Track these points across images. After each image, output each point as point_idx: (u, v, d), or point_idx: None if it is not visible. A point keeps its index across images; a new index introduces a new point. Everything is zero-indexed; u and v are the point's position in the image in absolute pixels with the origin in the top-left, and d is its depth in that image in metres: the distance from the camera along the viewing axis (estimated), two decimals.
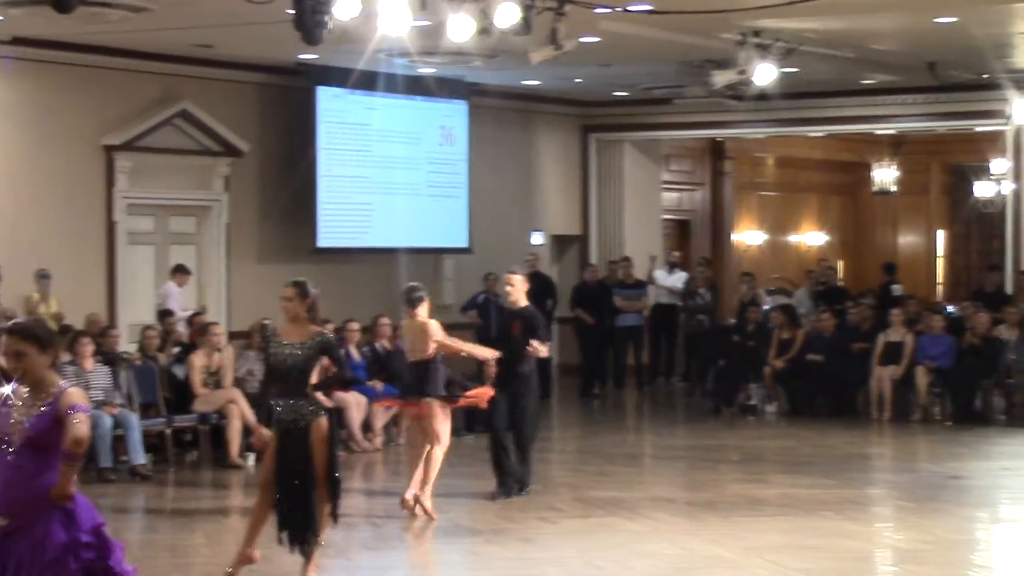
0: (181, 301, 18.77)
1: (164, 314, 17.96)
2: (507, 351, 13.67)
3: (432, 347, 13.06)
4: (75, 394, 6.74)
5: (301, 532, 10.18)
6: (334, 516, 10.29)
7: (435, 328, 13.18)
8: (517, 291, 13.76)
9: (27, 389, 6.75)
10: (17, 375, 6.75)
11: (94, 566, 6.70)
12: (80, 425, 6.58)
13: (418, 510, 12.82)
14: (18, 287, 17.30)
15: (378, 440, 17.29)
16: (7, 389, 6.79)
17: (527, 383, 13.74)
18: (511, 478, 13.71)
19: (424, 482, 12.92)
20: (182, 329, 17.95)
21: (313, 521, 10.17)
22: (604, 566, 10.94)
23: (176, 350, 17.08)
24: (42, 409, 6.66)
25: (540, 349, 13.51)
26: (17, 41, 17.68)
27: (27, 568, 6.55)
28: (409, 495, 12.86)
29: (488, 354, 13.93)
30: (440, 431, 13.04)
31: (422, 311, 13.14)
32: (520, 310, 13.73)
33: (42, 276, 17.37)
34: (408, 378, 13.53)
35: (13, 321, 7.38)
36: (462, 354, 13.87)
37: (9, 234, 17.85)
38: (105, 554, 6.74)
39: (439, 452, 13.04)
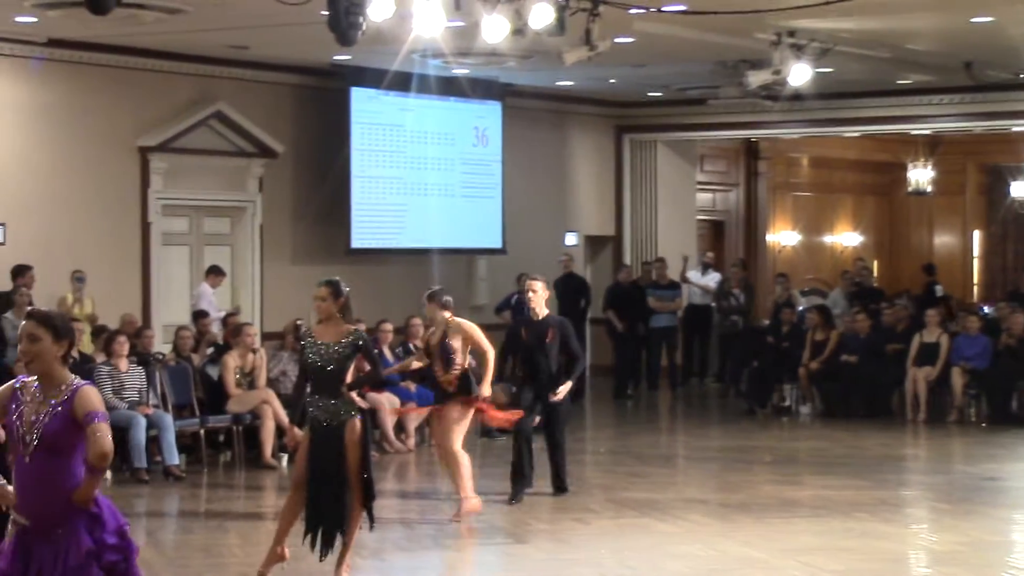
0: (215, 302, 18.82)
1: (198, 315, 18.01)
2: (540, 358, 13.56)
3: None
4: (92, 395, 6.62)
5: (331, 532, 10.19)
6: (370, 517, 10.30)
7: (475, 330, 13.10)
8: (539, 298, 13.61)
9: (37, 384, 6.72)
10: (27, 359, 6.68)
11: (117, 567, 6.68)
12: (104, 439, 6.47)
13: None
14: (53, 288, 17.37)
15: (411, 441, 17.30)
16: (16, 381, 6.77)
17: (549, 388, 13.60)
18: (525, 480, 13.63)
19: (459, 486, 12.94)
20: (216, 330, 18.00)
21: (344, 521, 10.18)
22: (637, 567, 10.93)
23: (210, 351, 17.12)
24: (57, 409, 6.58)
25: (561, 391, 13.44)
26: (53, 43, 17.76)
27: (49, 572, 6.54)
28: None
29: (560, 392, 13.52)
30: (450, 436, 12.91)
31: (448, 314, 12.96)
32: (548, 319, 13.63)
33: (77, 278, 17.43)
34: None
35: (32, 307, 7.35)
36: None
37: (44, 235, 17.93)
38: (129, 555, 6.73)
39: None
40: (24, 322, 6.77)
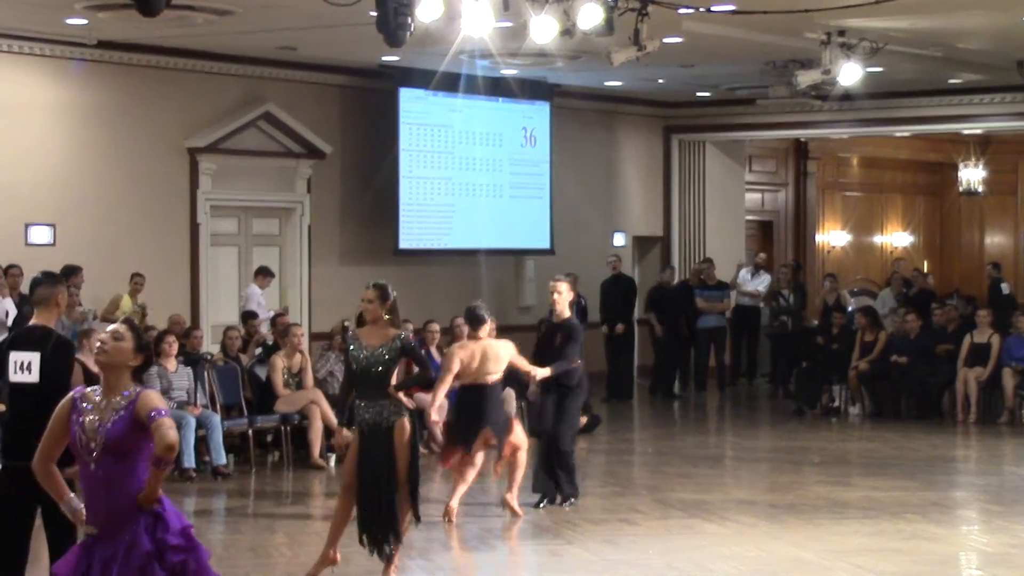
0: (264, 303, 18.87)
1: (247, 316, 18.07)
2: (546, 362, 13.34)
3: (502, 370, 12.79)
4: (154, 396, 6.68)
5: (383, 533, 10.20)
6: (416, 517, 10.32)
7: (512, 348, 12.92)
8: (563, 300, 13.32)
9: (99, 392, 6.76)
10: (102, 350, 6.72)
11: (186, 568, 6.69)
12: (170, 431, 6.50)
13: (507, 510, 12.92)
14: (101, 290, 17.46)
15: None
16: (75, 392, 6.81)
17: (570, 392, 13.38)
18: (551, 483, 13.45)
19: (510, 484, 13.01)
20: (264, 330, 18.05)
21: (395, 522, 10.19)
22: (685, 568, 10.89)
23: (258, 351, 17.17)
24: (120, 413, 6.61)
25: (533, 373, 13.17)
26: (103, 45, 17.87)
27: (109, 572, 6.56)
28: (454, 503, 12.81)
29: (536, 374, 13.18)
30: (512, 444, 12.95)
31: (485, 331, 12.82)
32: (564, 323, 13.34)
33: (136, 281, 17.63)
34: (464, 406, 12.93)
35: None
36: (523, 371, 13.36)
37: (94, 236, 18.03)
38: (197, 556, 6.74)
39: (522, 455, 13.05)
40: (117, 324, 6.90)
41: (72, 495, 6.80)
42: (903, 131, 26.98)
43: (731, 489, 15.00)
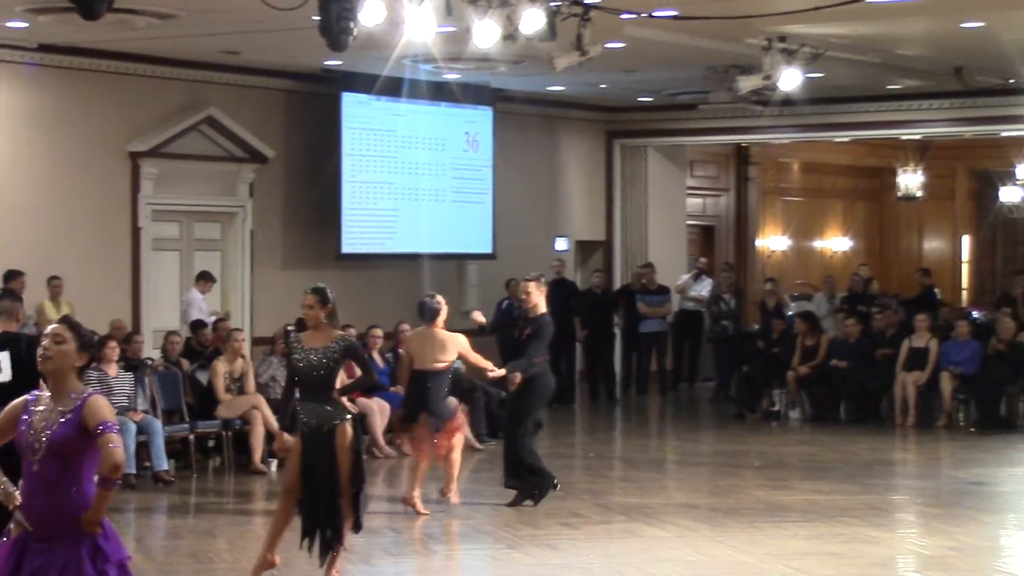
0: (205, 308, 18.81)
1: (197, 325, 17.95)
2: (516, 357, 13.66)
3: (449, 359, 13.33)
4: (103, 405, 6.64)
5: (324, 538, 10.21)
6: (357, 523, 10.32)
7: (464, 341, 13.48)
8: (533, 298, 13.66)
9: (48, 395, 6.75)
10: (45, 356, 6.69)
11: None
12: (117, 450, 6.45)
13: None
14: (42, 294, 17.37)
15: (407, 446, 17.26)
16: (31, 395, 6.81)
17: (529, 387, 13.54)
18: (527, 483, 13.67)
19: (448, 480, 13.46)
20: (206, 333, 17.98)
21: (337, 527, 10.19)
22: (626, 572, 10.94)
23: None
24: (66, 415, 6.59)
25: (494, 372, 13.61)
26: (44, 48, 17.77)
27: None
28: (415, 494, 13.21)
29: (494, 372, 13.70)
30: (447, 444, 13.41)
31: (440, 321, 13.41)
32: (535, 318, 13.64)
33: (53, 284, 17.47)
34: (410, 390, 13.55)
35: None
36: (477, 366, 13.98)
37: (35, 240, 17.91)
38: None
39: (456, 455, 13.54)
40: (55, 324, 6.84)
41: (6, 479, 6.76)
42: (843, 136, 27.15)
43: (672, 493, 15.08)
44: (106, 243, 18.70)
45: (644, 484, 15.21)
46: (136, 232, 19.03)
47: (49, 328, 6.87)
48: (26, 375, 8.47)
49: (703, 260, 25.46)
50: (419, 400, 13.34)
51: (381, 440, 17.05)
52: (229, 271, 20.21)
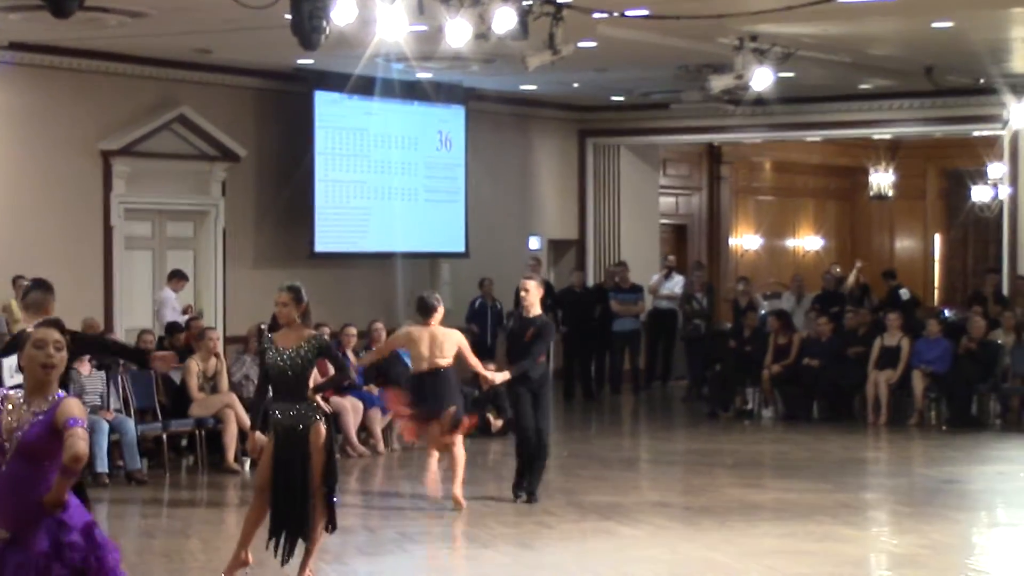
0: (178, 307, 18.78)
1: (172, 328, 17.88)
2: (520, 357, 13.67)
3: (449, 356, 13.41)
4: (74, 405, 6.57)
5: (295, 536, 10.19)
6: (333, 523, 10.30)
7: (462, 339, 13.63)
8: (532, 296, 13.72)
9: (22, 396, 6.67)
10: (50, 366, 6.59)
11: (87, 565, 6.63)
12: (80, 441, 6.38)
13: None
14: (10, 293, 17.30)
15: (380, 445, 17.28)
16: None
17: (544, 386, 13.83)
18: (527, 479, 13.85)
19: (454, 478, 13.41)
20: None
21: (307, 526, 10.17)
22: (600, 571, 10.95)
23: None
24: (39, 417, 6.53)
25: (491, 377, 13.68)
26: (15, 46, 17.70)
27: None
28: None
29: (494, 378, 13.75)
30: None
31: (437, 318, 13.51)
32: (536, 318, 13.73)
33: (20, 284, 17.36)
34: (421, 390, 13.53)
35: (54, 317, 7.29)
36: (471, 367, 13.87)
37: (5, 238, 17.85)
38: (99, 554, 6.68)
39: (459, 450, 13.54)
40: (47, 328, 6.71)
41: None
42: (814, 136, 27.24)
43: (646, 492, 15.10)
44: (78, 242, 18.65)
45: (618, 483, 15.23)
46: (108, 231, 18.98)
47: (44, 333, 6.72)
48: None
49: (671, 258, 25.47)
50: (439, 397, 13.35)
51: (355, 439, 17.04)
52: (202, 270, 20.17)
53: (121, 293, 19.03)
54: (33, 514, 6.53)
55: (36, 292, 9.61)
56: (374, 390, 17.40)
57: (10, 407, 6.62)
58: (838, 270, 24.74)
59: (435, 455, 13.71)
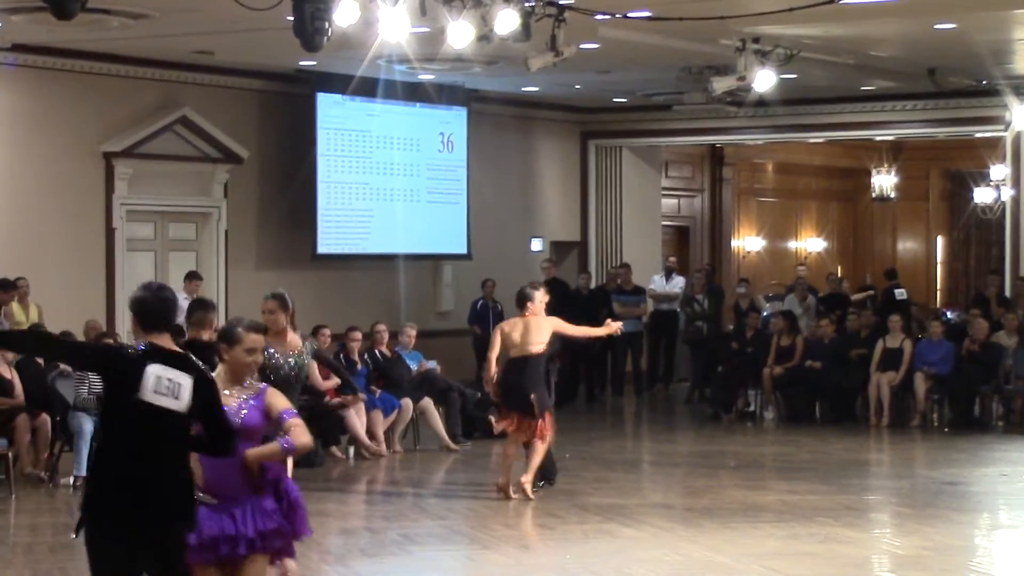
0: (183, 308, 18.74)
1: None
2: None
3: (545, 340, 13.74)
4: (280, 396, 7.55)
5: None
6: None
7: (557, 320, 14.04)
8: (535, 307, 13.90)
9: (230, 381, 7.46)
10: (255, 365, 7.60)
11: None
12: (306, 433, 7.46)
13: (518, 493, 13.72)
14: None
15: (383, 446, 17.23)
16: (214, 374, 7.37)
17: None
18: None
19: (527, 469, 13.78)
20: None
21: None
22: (602, 572, 10.94)
23: None
24: (251, 402, 7.40)
25: (608, 329, 14.40)
26: (17, 48, 17.72)
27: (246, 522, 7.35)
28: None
29: (603, 331, 14.62)
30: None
31: (533, 309, 13.77)
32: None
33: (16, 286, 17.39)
34: (508, 375, 13.82)
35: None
36: (579, 336, 14.97)
37: (8, 240, 17.86)
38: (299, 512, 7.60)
39: (540, 444, 13.91)
40: (257, 335, 7.70)
41: None
42: (817, 137, 27.24)
43: (648, 493, 15.10)
44: (80, 244, 18.66)
45: (620, 484, 15.22)
46: (110, 233, 18.99)
47: (256, 341, 7.63)
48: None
49: (672, 259, 25.45)
50: (523, 384, 13.64)
51: (366, 439, 16.90)
52: (204, 272, 20.13)
53: (123, 295, 19.01)
54: (240, 481, 7.32)
55: (199, 312, 10.50)
56: (376, 392, 17.37)
57: (226, 392, 7.32)
58: (838, 274, 24.75)
59: (512, 448, 13.94)
